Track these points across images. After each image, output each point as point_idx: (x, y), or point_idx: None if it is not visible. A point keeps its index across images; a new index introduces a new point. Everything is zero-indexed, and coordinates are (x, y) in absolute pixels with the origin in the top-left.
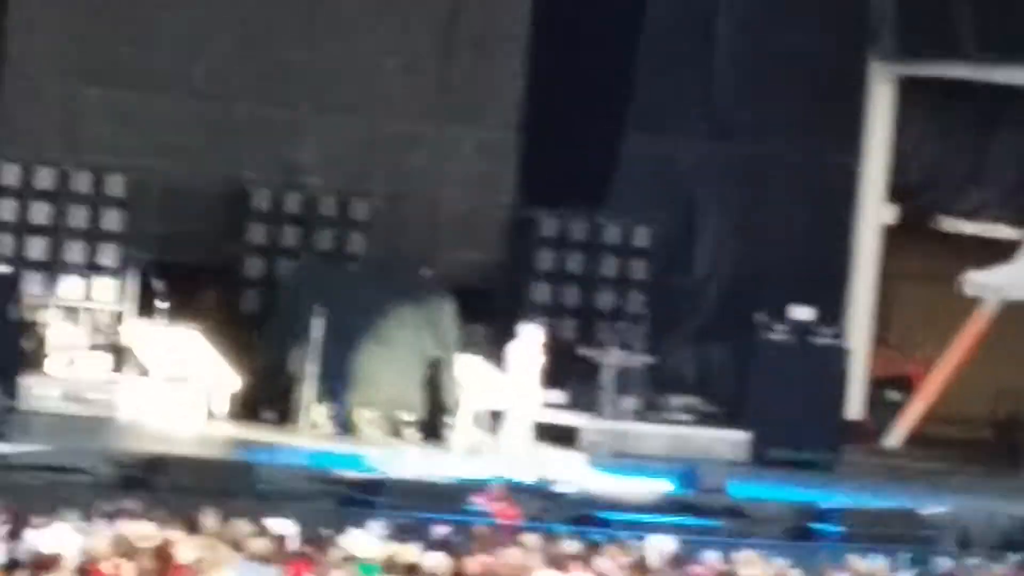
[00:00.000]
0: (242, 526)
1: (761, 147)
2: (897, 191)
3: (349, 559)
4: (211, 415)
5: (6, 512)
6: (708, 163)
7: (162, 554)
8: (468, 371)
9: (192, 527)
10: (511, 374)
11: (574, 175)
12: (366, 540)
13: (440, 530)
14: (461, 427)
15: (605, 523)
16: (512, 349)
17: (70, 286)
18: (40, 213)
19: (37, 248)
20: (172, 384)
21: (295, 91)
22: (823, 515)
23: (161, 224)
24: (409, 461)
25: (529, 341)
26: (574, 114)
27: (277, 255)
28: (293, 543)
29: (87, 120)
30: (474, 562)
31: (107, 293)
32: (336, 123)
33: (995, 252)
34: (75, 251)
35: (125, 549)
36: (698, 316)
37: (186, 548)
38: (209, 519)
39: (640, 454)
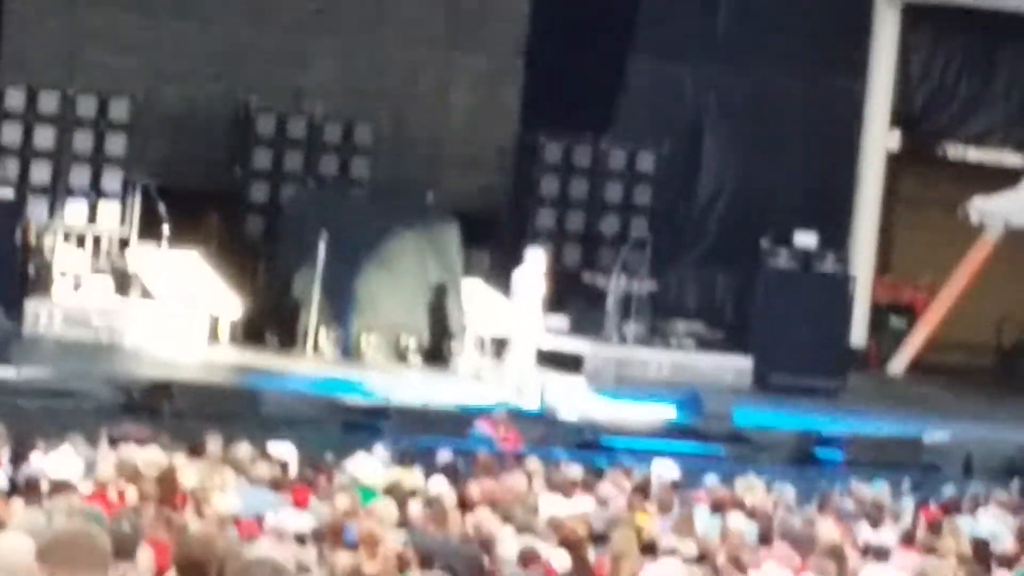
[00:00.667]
0: (245, 451)
1: (766, 73)
2: (901, 117)
3: (351, 484)
4: (214, 339)
5: (10, 436)
6: (713, 89)
7: (165, 479)
8: (472, 296)
9: (196, 452)
10: (516, 299)
11: (578, 101)
12: (369, 465)
13: (443, 455)
14: (465, 352)
15: (608, 449)
16: (517, 274)
17: (74, 210)
18: (44, 137)
19: (41, 173)
20: (176, 308)
21: (300, 16)
22: (826, 441)
23: (165, 149)
24: (413, 386)
25: (533, 265)
26: (578, 40)
27: (281, 180)
28: (295, 468)
29: (90, 45)
30: (477, 488)
31: (111, 218)
32: (341, 49)
33: (1000, 179)
34: (79, 175)
35: (129, 474)
36: (702, 242)
37: (189, 473)
38: (212, 444)
39: (643, 380)
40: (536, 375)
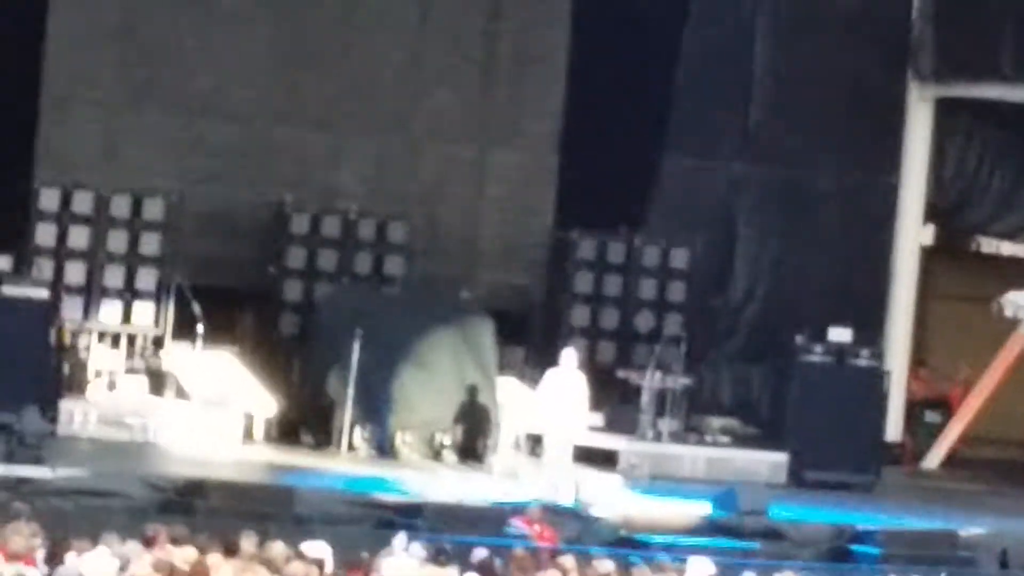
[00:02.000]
0: (280, 549)
1: (798, 168)
2: (935, 212)
3: None
4: (249, 438)
5: (45, 537)
6: (746, 184)
7: None
8: (507, 394)
9: (230, 551)
10: (550, 398)
11: (612, 197)
12: (404, 563)
13: (479, 553)
14: (500, 450)
15: (644, 546)
16: (550, 374)
17: (109, 310)
18: (78, 237)
19: (76, 272)
20: (210, 408)
21: (333, 114)
22: (862, 536)
23: (199, 248)
24: (448, 484)
25: (568, 364)
26: (612, 137)
27: (316, 278)
28: (330, 567)
29: (125, 144)
30: None
31: (146, 317)
32: (374, 147)
33: None
34: (113, 275)
35: (164, 573)
36: (736, 338)
37: (224, 572)
38: (247, 543)
39: (679, 476)
40: (571, 472)
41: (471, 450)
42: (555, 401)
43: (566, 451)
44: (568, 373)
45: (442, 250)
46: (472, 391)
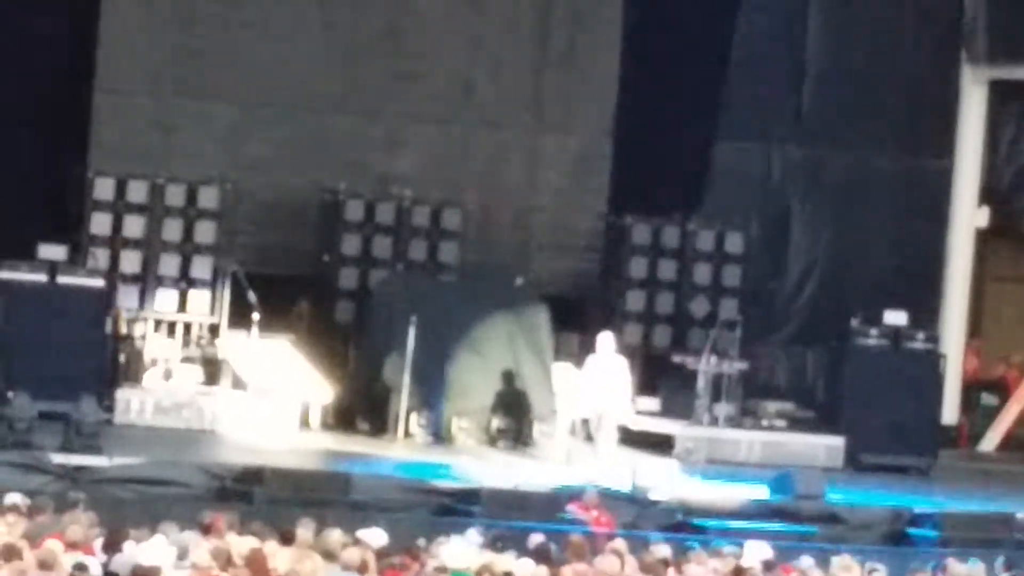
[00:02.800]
0: (336, 537)
1: (853, 152)
2: (989, 194)
3: (443, 569)
4: (305, 426)
5: (103, 525)
6: (800, 168)
7: (258, 565)
8: (562, 379)
9: (287, 538)
10: (593, 383)
11: (666, 182)
12: (461, 549)
13: (535, 539)
14: (556, 435)
15: (700, 530)
16: (591, 360)
17: (164, 299)
18: (134, 226)
19: (131, 262)
20: (266, 396)
21: (388, 102)
22: (919, 520)
23: (254, 236)
24: (504, 470)
25: (605, 349)
26: (666, 122)
27: (370, 265)
28: (387, 553)
29: (180, 133)
30: (569, 570)
31: (201, 305)
32: (429, 133)
33: None
34: (169, 264)
35: (222, 561)
36: (791, 322)
37: (282, 559)
38: (304, 530)
39: (735, 461)
40: (626, 457)
41: (527, 436)
42: (599, 386)
43: (613, 435)
44: (608, 357)
45: (496, 236)
46: (528, 377)
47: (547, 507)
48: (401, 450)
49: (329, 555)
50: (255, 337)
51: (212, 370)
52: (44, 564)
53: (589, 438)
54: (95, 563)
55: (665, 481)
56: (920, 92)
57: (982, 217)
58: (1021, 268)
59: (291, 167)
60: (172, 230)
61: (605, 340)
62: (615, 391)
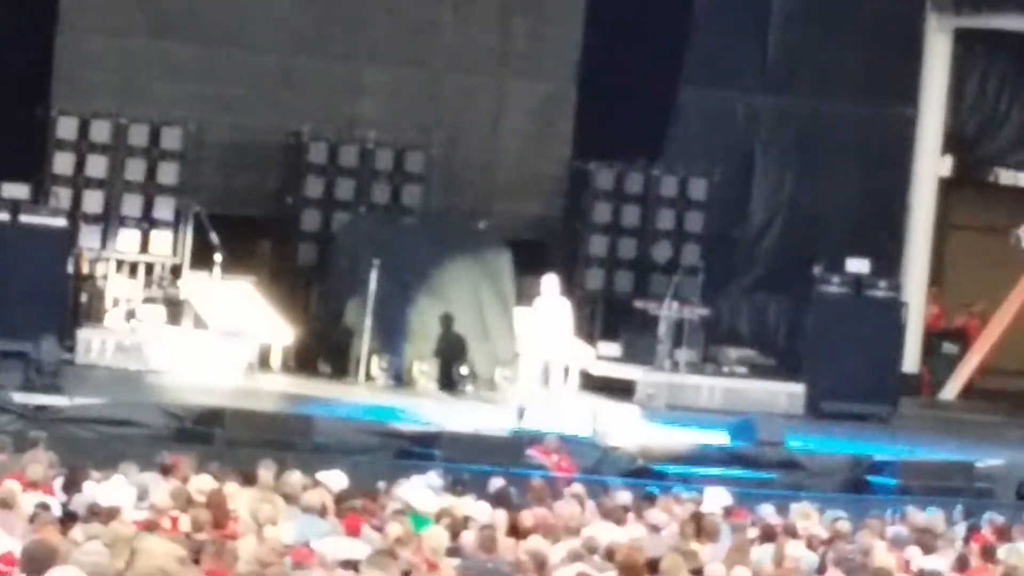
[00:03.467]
0: (297, 479)
1: (817, 99)
2: (953, 143)
3: (402, 512)
4: (266, 367)
5: (63, 465)
6: (764, 115)
7: (218, 507)
8: (524, 324)
9: (248, 480)
10: (540, 327)
11: (630, 128)
12: (421, 493)
13: (495, 483)
14: (517, 379)
15: (660, 476)
16: (537, 302)
17: (126, 239)
18: (96, 166)
19: (93, 201)
20: (227, 337)
21: (352, 45)
22: (879, 467)
23: (217, 177)
24: (464, 414)
25: (549, 292)
26: (631, 68)
27: (333, 208)
28: (347, 496)
29: (143, 73)
30: (529, 515)
31: (163, 246)
32: (393, 77)
33: None
34: (131, 204)
35: (182, 502)
36: (754, 269)
37: (242, 501)
38: (265, 472)
39: (695, 407)
40: (587, 401)
41: (487, 380)
42: (546, 329)
43: (560, 377)
44: (553, 300)
45: (460, 180)
46: (489, 321)
47: (507, 451)
48: (362, 393)
49: (289, 498)
50: (217, 278)
51: (174, 311)
52: (2, 503)
53: (549, 382)
54: (54, 503)
55: (626, 427)
56: (885, 40)
57: (945, 166)
58: (983, 217)
59: (255, 109)
60: (135, 170)
61: (549, 283)
62: (560, 333)
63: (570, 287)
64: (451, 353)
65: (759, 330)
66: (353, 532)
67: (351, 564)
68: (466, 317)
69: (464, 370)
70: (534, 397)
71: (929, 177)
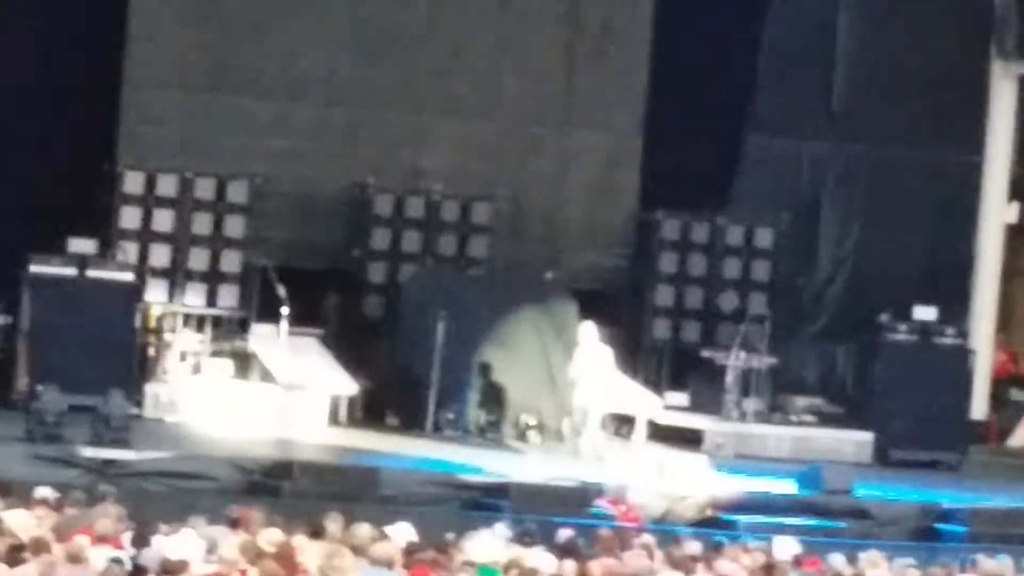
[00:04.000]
0: (365, 531)
1: (883, 147)
2: (1019, 190)
3: (471, 564)
4: (334, 420)
5: (132, 519)
6: (829, 163)
7: (286, 560)
8: (591, 374)
9: (316, 533)
10: (582, 376)
11: (696, 178)
12: (489, 544)
13: (563, 533)
14: (585, 430)
15: (729, 525)
16: (577, 354)
17: (193, 293)
18: (163, 220)
19: (160, 256)
20: (295, 390)
21: (418, 96)
22: (948, 515)
23: (284, 230)
24: (533, 465)
25: (588, 340)
26: (696, 117)
27: (400, 260)
28: (415, 548)
29: (209, 127)
30: (597, 565)
31: (230, 300)
32: (458, 128)
33: None
34: (198, 258)
35: (250, 555)
36: (821, 317)
37: (310, 554)
38: (333, 524)
39: (763, 456)
40: (653, 451)
41: (556, 431)
42: (586, 377)
43: (597, 428)
44: (592, 348)
45: (526, 231)
46: (557, 372)
47: (576, 501)
48: (430, 445)
49: (358, 550)
50: (284, 331)
51: (241, 364)
52: (72, 558)
53: (618, 433)
54: (124, 557)
55: (694, 476)
56: (950, 87)
57: (1012, 213)
58: None
59: (321, 161)
60: (201, 224)
61: (587, 331)
62: (600, 382)
63: (637, 337)
64: (518, 404)
65: (826, 378)
66: None
67: None
68: (533, 368)
69: (531, 420)
70: (601, 448)
71: (995, 224)
